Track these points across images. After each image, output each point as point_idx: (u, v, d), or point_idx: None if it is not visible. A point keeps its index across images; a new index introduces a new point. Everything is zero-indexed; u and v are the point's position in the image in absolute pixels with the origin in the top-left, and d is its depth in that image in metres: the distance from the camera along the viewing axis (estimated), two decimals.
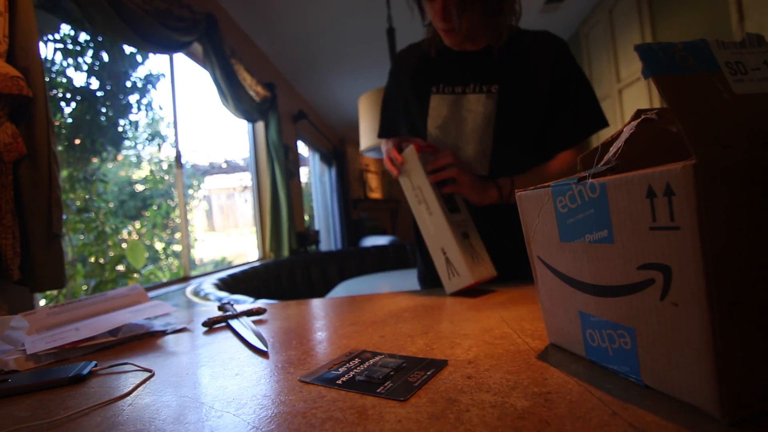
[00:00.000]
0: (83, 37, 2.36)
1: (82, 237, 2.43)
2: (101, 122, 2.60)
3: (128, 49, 2.65)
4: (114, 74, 2.65)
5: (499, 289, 0.76)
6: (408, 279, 2.36)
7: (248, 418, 0.33)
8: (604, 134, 3.00)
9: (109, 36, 1.83)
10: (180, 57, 2.62)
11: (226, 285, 2.10)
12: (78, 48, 2.36)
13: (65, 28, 2.26)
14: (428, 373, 0.39)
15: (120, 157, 2.96)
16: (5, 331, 0.56)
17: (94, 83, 2.53)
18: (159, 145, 3.12)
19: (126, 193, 3.01)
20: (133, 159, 3.08)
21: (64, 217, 1.39)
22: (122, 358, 0.52)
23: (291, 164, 3.88)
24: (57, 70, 2.28)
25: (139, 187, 3.12)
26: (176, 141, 2.50)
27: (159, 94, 2.89)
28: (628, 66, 3.10)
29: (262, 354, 0.49)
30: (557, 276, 0.39)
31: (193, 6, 2.26)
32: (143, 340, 0.62)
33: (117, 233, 2.73)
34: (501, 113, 0.87)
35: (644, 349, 0.31)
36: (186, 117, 2.57)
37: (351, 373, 0.40)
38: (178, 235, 2.93)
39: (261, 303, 0.90)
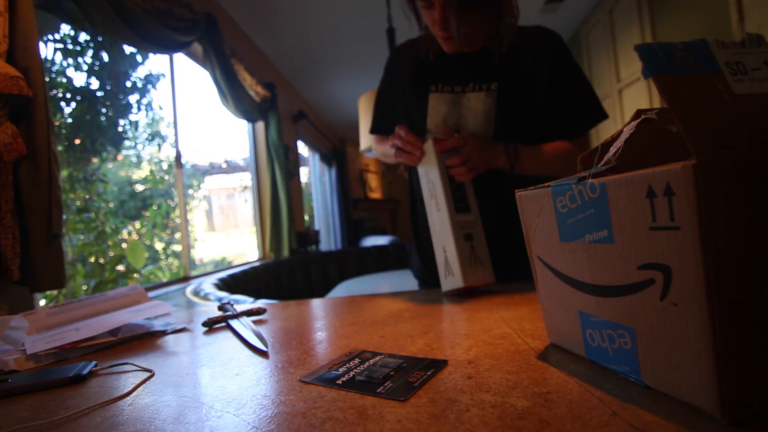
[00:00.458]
0: (83, 37, 2.36)
1: (82, 237, 2.43)
2: (101, 122, 2.60)
3: (128, 49, 2.65)
4: (114, 74, 2.64)
5: (499, 289, 0.76)
6: (408, 279, 2.35)
7: (248, 418, 0.33)
8: (604, 134, 3.00)
9: (109, 36, 1.83)
10: (180, 57, 2.62)
11: (226, 285, 2.10)
12: (78, 48, 2.36)
13: (65, 28, 2.26)
14: (428, 373, 0.39)
15: (120, 157, 2.96)
16: (5, 331, 0.56)
17: (94, 83, 2.53)
18: (159, 145, 3.12)
19: (126, 193, 3.01)
20: (133, 159, 3.07)
21: (64, 217, 1.39)
22: (122, 358, 0.52)
23: (291, 164, 3.88)
24: (57, 70, 2.28)
25: (139, 187, 3.11)
26: (176, 141, 2.50)
27: (159, 94, 2.90)
28: (628, 66, 3.10)
29: (262, 354, 0.49)
30: (557, 276, 0.39)
31: (193, 6, 2.26)
32: (143, 340, 0.62)
33: (117, 233, 2.73)
34: (501, 110, 0.87)
35: (644, 349, 0.31)
36: (186, 117, 2.58)
37: (351, 373, 0.40)
38: (178, 235, 2.93)
39: (261, 303, 0.90)
